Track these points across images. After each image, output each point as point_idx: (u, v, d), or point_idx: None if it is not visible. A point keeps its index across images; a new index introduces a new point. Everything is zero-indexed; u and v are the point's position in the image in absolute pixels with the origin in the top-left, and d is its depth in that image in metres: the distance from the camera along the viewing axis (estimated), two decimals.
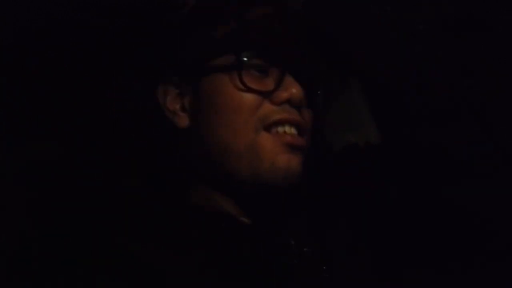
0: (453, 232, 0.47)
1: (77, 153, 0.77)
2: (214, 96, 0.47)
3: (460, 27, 0.43)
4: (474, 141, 0.40)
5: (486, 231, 0.46)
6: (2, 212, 0.70)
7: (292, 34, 0.49)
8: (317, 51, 0.57)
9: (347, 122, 0.77)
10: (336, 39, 0.51)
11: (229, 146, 0.46)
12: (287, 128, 0.47)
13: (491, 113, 0.40)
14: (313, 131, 0.52)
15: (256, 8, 0.46)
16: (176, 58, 0.53)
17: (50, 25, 0.71)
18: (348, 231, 0.49)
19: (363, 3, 0.42)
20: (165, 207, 0.49)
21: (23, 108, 0.72)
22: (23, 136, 0.72)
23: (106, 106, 0.78)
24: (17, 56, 0.71)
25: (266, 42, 0.48)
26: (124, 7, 0.67)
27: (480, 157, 0.41)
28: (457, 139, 0.41)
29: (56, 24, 0.70)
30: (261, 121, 0.46)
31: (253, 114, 0.46)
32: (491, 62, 0.41)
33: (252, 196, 0.48)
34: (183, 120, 0.50)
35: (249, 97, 0.46)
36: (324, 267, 0.44)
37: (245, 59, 0.47)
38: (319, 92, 0.54)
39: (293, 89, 0.47)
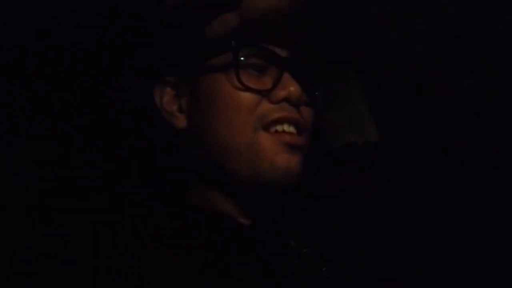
0: (453, 232, 0.47)
1: (77, 153, 0.77)
2: (212, 96, 0.47)
3: (460, 27, 0.43)
4: (474, 141, 0.40)
5: (486, 231, 0.46)
6: (2, 212, 0.69)
7: (291, 33, 0.49)
8: (316, 49, 0.57)
9: (347, 121, 0.77)
10: (335, 38, 0.51)
11: (228, 145, 0.46)
12: (286, 127, 0.47)
13: (491, 113, 0.40)
14: (313, 130, 0.52)
15: (254, 6, 0.46)
16: (172, 58, 0.53)
17: (49, 25, 0.71)
18: (348, 231, 0.49)
19: (363, 3, 0.41)
20: (165, 207, 0.49)
21: (23, 108, 0.72)
22: (23, 136, 0.72)
23: (105, 106, 0.78)
24: (17, 56, 0.71)
25: (264, 41, 0.48)
26: (119, 7, 0.67)
27: (480, 157, 0.41)
28: (457, 139, 0.41)
29: (54, 24, 0.70)
30: (259, 120, 0.46)
31: (251, 113, 0.46)
32: (491, 62, 0.41)
33: (252, 196, 0.48)
34: (181, 121, 0.50)
35: (247, 96, 0.46)
36: (324, 268, 0.44)
37: (242, 58, 0.47)
38: (318, 90, 0.54)
39: (291, 87, 0.47)
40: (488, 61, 0.41)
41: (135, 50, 0.72)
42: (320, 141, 0.52)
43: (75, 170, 0.76)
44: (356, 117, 0.75)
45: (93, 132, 0.78)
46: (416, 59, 0.43)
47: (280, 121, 0.47)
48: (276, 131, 0.47)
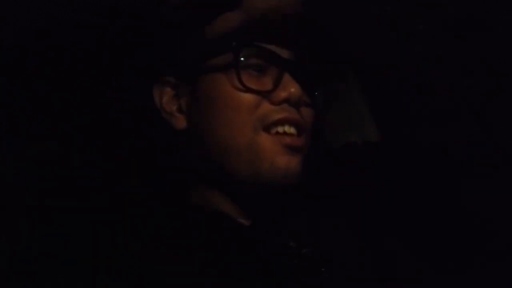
0: (453, 232, 0.47)
1: (77, 153, 0.77)
2: (212, 96, 0.47)
3: (460, 27, 0.42)
4: (474, 141, 0.40)
5: (486, 231, 0.46)
6: (2, 212, 0.69)
7: (291, 33, 0.49)
8: (316, 49, 0.57)
9: (347, 121, 0.77)
10: (335, 38, 0.51)
11: (228, 145, 0.46)
12: (287, 128, 0.47)
13: (491, 113, 0.40)
14: (313, 130, 0.52)
15: (254, 6, 0.46)
16: (172, 58, 0.53)
17: (49, 25, 0.71)
18: (348, 231, 0.49)
19: (363, 3, 0.41)
20: (165, 207, 0.49)
21: (23, 108, 0.72)
22: (23, 136, 0.72)
23: (105, 106, 0.78)
24: (17, 56, 0.71)
25: (264, 41, 0.48)
26: (119, 7, 0.67)
27: (480, 157, 0.41)
28: (457, 139, 0.41)
29: (54, 24, 0.70)
30: (260, 121, 0.46)
31: (251, 113, 0.46)
32: (491, 62, 0.41)
33: (252, 196, 0.48)
34: (181, 122, 0.50)
35: (247, 96, 0.46)
36: (323, 268, 0.44)
37: (242, 58, 0.47)
38: (318, 91, 0.54)
39: (292, 88, 0.47)
40: (488, 61, 0.41)
41: (135, 50, 0.72)
42: (320, 141, 0.52)
43: (75, 170, 0.76)
44: (356, 117, 0.75)
45: (93, 132, 0.78)
46: (416, 59, 0.43)
47: (281, 122, 0.47)
48: (277, 132, 0.47)
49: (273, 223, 0.48)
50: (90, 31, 0.71)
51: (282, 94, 0.47)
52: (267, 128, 0.47)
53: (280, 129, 0.47)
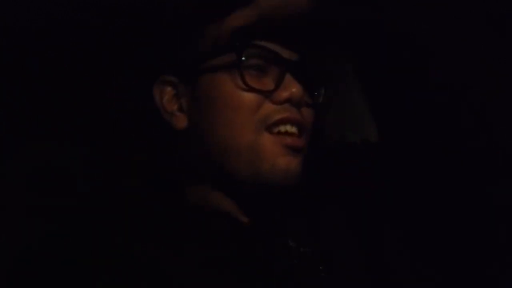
0: (453, 232, 0.47)
1: (77, 153, 0.77)
2: (213, 96, 0.47)
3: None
4: (474, 141, 0.40)
5: (486, 231, 0.46)
6: (4, 213, 0.70)
7: (294, 33, 0.49)
8: (318, 49, 0.57)
9: (346, 121, 0.77)
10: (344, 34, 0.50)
11: (229, 145, 0.46)
12: (289, 127, 0.47)
13: (492, 113, 0.40)
14: (313, 130, 0.52)
15: (257, 7, 0.46)
16: (172, 57, 0.53)
17: (49, 25, 0.71)
18: (347, 231, 0.49)
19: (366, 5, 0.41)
20: (164, 207, 0.49)
21: (23, 108, 0.72)
22: (24, 137, 0.72)
23: (105, 106, 0.78)
24: (18, 56, 0.71)
25: (266, 42, 0.48)
26: (119, 6, 0.67)
27: (482, 158, 0.41)
28: (457, 139, 0.41)
29: (54, 24, 0.70)
30: (262, 121, 0.46)
31: (253, 113, 0.46)
32: (492, 62, 0.41)
33: (251, 196, 0.48)
34: (181, 121, 0.50)
35: (250, 96, 0.46)
36: (321, 267, 0.44)
37: (243, 58, 0.46)
38: (318, 91, 0.54)
39: (293, 89, 0.47)
40: (489, 61, 0.41)
41: (135, 49, 0.72)
42: (320, 141, 0.52)
43: (75, 170, 0.76)
44: (356, 117, 0.75)
45: (93, 132, 0.78)
46: (417, 58, 0.43)
47: (283, 122, 0.47)
48: (279, 132, 0.47)
49: (272, 222, 0.48)
50: (90, 31, 0.71)
51: (284, 94, 0.47)
52: (269, 128, 0.47)
53: (282, 128, 0.47)
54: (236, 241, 0.45)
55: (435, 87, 0.40)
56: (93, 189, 0.76)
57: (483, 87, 0.40)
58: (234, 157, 0.46)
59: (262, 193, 0.48)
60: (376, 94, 0.49)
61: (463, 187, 0.44)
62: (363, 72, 0.50)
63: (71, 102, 0.78)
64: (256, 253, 0.44)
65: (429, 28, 0.40)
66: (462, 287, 0.49)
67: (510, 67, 0.40)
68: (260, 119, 0.46)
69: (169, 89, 0.51)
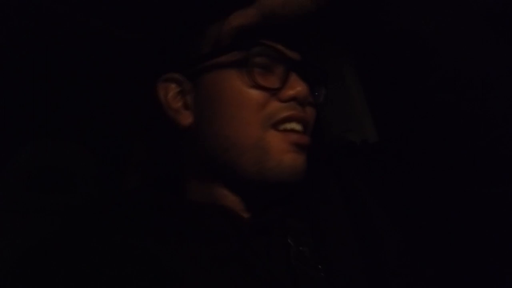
0: (453, 233, 0.47)
1: (77, 153, 0.77)
2: (220, 93, 0.48)
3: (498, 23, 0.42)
4: (475, 141, 0.40)
5: (486, 232, 0.46)
6: (4, 213, 0.70)
7: (298, 32, 0.50)
8: (319, 49, 0.57)
9: (345, 121, 0.77)
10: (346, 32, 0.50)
11: (236, 142, 0.47)
12: (294, 125, 0.48)
13: (492, 113, 0.39)
14: (313, 130, 0.53)
15: (266, 3, 0.46)
16: (178, 55, 0.53)
17: (50, 24, 0.71)
18: (346, 231, 0.49)
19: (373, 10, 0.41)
20: (165, 204, 0.50)
21: (23, 108, 0.72)
22: (24, 136, 0.73)
23: (109, 103, 0.78)
24: (20, 55, 0.71)
25: (272, 40, 0.48)
26: (124, 3, 0.67)
27: (481, 158, 0.41)
28: (457, 139, 0.41)
29: (57, 22, 0.70)
30: (268, 118, 0.47)
31: (260, 110, 0.47)
32: (492, 62, 0.41)
33: (255, 193, 0.49)
34: (187, 118, 0.50)
35: (257, 93, 0.47)
36: (320, 266, 0.44)
37: (251, 56, 0.47)
38: (319, 91, 0.54)
39: (299, 87, 0.48)
40: (489, 61, 0.40)
41: (139, 47, 0.72)
42: (320, 141, 0.52)
43: (75, 170, 0.76)
44: (355, 117, 0.75)
45: (96, 129, 0.78)
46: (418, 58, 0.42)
47: (289, 119, 0.48)
48: (285, 130, 0.48)
49: (273, 220, 0.48)
50: (95, 27, 0.71)
51: (290, 92, 0.48)
52: (275, 125, 0.47)
53: (288, 126, 0.48)
54: (236, 238, 0.45)
55: (435, 87, 0.40)
56: (93, 188, 0.76)
57: (484, 87, 0.40)
58: (240, 153, 0.47)
59: (266, 190, 0.49)
60: (376, 94, 0.49)
61: (463, 187, 0.43)
62: (363, 72, 0.50)
63: (73, 101, 0.78)
64: (255, 250, 0.45)
65: (430, 28, 0.40)
66: (462, 287, 0.49)
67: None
68: (266, 116, 0.47)
69: (173, 86, 0.51)
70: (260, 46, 0.47)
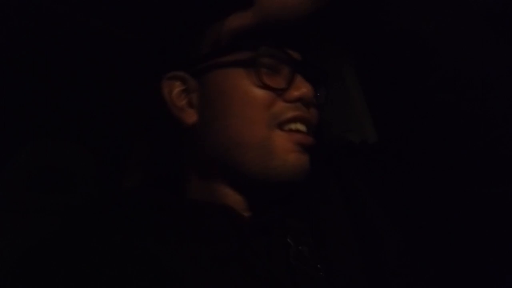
0: (452, 233, 0.47)
1: (77, 152, 0.77)
2: (227, 92, 0.48)
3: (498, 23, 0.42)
4: (475, 141, 0.40)
5: (486, 232, 0.46)
6: (4, 213, 0.70)
7: (299, 35, 0.50)
8: (320, 50, 0.57)
9: (345, 121, 0.77)
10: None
11: (241, 140, 0.47)
12: (299, 125, 0.49)
13: (492, 113, 0.39)
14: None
15: (265, 8, 0.46)
16: (184, 53, 0.53)
17: (50, 24, 0.71)
18: (346, 231, 0.49)
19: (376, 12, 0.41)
20: (165, 203, 0.50)
21: (24, 108, 0.72)
22: (24, 136, 0.73)
23: (113, 101, 0.78)
24: (21, 55, 0.71)
25: (278, 41, 0.48)
26: (128, 3, 0.67)
27: (481, 158, 0.41)
28: (457, 140, 0.41)
29: (59, 21, 0.70)
30: (274, 118, 0.48)
31: (266, 110, 0.47)
32: (492, 62, 0.41)
33: (257, 191, 0.49)
34: (191, 116, 0.50)
35: (263, 93, 0.47)
36: (319, 266, 0.44)
37: (259, 57, 0.48)
38: (320, 91, 0.55)
39: (304, 89, 0.49)
40: (490, 61, 0.40)
41: (141, 45, 0.72)
42: (320, 141, 0.52)
43: (75, 170, 0.76)
44: (355, 117, 0.75)
45: (96, 129, 0.78)
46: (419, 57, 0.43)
47: (294, 120, 0.49)
48: (290, 130, 0.48)
49: (273, 219, 0.48)
50: (95, 27, 0.71)
51: (296, 93, 0.48)
52: (280, 125, 0.48)
53: (293, 126, 0.49)
54: (236, 238, 0.45)
55: (435, 87, 0.40)
56: (93, 188, 0.76)
57: (484, 87, 0.39)
58: (245, 151, 0.47)
59: (269, 189, 0.49)
60: (376, 94, 0.49)
61: (463, 187, 0.43)
62: (363, 72, 0.50)
63: (73, 101, 0.78)
64: (255, 250, 0.45)
65: (430, 28, 0.40)
66: (462, 287, 0.49)
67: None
68: (272, 116, 0.47)
69: (178, 84, 0.51)
70: (267, 46, 0.48)
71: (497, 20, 0.45)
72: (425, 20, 0.40)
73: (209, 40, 0.50)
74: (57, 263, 0.41)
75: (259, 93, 0.47)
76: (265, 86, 0.47)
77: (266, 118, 0.47)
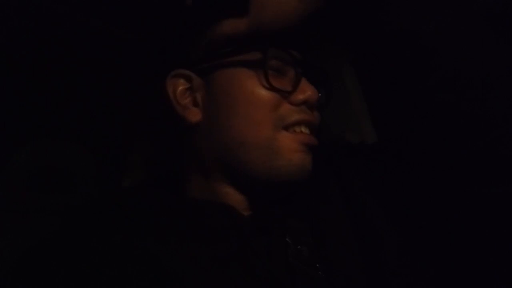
0: (452, 234, 0.47)
1: (78, 152, 0.77)
2: (234, 92, 0.48)
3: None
4: (474, 142, 0.40)
5: (485, 233, 0.46)
6: (5, 213, 0.70)
7: (299, 39, 0.51)
8: (321, 51, 0.57)
9: (345, 121, 0.77)
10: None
11: (247, 140, 0.47)
12: (303, 128, 0.50)
13: (492, 114, 0.39)
14: None
15: (261, 16, 0.47)
16: (187, 52, 0.53)
17: (50, 24, 0.71)
18: (345, 231, 0.49)
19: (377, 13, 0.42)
20: (166, 203, 0.50)
21: (24, 108, 0.72)
22: (24, 136, 0.73)
23: (116, 99, 0.78)
24: (21, 55, 0.71)
25: (283, 43, 0.49)
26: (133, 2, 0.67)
27: (481, 158, 0.41)
28: (457, 140, 0.41)
29: (57, 22, 0.70)
30: (281, 120, 0.48)
31: (272, 111, 0.48)
32: (493, 62, 0.41)
33: (259, 191, 0.49)
34: (195, 115, 0.50)
35: (270, 95, 0.48)
36: (318, 265, 0.44)
37: (267, 58, 0.48)
38: (321, 92, 0.55)
39: (309, 92, 0.49)
40: (490, 61, 0.40)
41: (143, 45, 0.72)
42: (320, 141, 0.52)
43: (75, 169, 0.76)
44: (355, 117, 0.75)
45: (96, 129, 0.78)
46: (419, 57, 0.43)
47: (300, 123, 0.49)
48: (295, 131, 0.49)
49: (273, 219, 0.49)
50: (95, 27, 0.71)
51: (301, 96, 0.49)
52: (286, 127, 0.49)
53: (297, 128, 0.50)
54: (236, 238, 0.45)
55: (435, 87, 0.40)
56: (93, 188, 0.76)
57: (484, 87, 0.39)
58: (249, 151, 0.47)
59: (272, 188, 0.49)
60: (376, 94, 0.49)
61: (463, 187, 0.43)
62: (362, 72, 0.50)
63: (73, 101, 0.78)
64: (255, 250, 0.45)
65: (430, 28, 0.40)
66: (462, 287, 0.49)
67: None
68: (278, 118, 0.48)
69: (182, 82, 0.51)
70: (274, 49, 0.48)
71: (497, 20, 0.45)
72: (425, 20, 0.40)
73: (210, 40, 0.51)
74: (57, 263, 0.41)
75: (266, 94, 0.48)
76: (272, 88, 0.48)
77: (273, 119, 0.48)
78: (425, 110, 0.41)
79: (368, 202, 0.50)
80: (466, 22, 0.41)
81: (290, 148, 0.48)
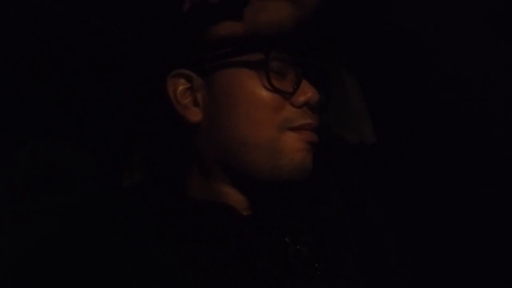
0: (452, 234, 0.47)
1: (78, 152, 0.77)
2: (236, 92, 0.48)
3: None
4: (474, 142, 0.40)
5: (485, 233, 0.46)
6: (5, 213, 0.70)
7: (297, 42, 0.51)
8: (320, 52, 0.57)
9: (345, 121, 0.77)
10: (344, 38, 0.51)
11: (249, 140, 0.47)
12: (307, 131, 0.50)
13: (492, 114, 0.39)
14: None
15: (256, 21, 0.47)
16: (187, 52, 0.53)
17: (50, 24, 0.71)
18: (345, 231, 0.49)
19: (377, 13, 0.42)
20: (165, 203, 0.50)
21: (24, 108, 0.72)
22: (24, 136, 0.73)
23: (117, 99, 0.78)
24: (21, 55, 0.71)
25: (283, 45, 0.49)
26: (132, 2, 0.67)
27: (481, 158, 0.41)
28: (457, 140, 0.41)
29: (57, 22, 0.70)
30: (286, 122, 0.48)
31: (274, 112, 0.48)
32: (493, 62, 0.41)
33: (260, 190, 0.49)
34: (196, 115, 0.50)
35: (272, 96, 0.48)
36: (317, 265, 0.44)
37: (269, 59, 0.48)
38: (321, 92, 0.55)
39: (310, 93, 0.49)
40: (490, 61, 0.40)
41: (143, 45, 0.72)
42: (319, 141, 0.52)
43: (75, 169, 0.76)
44: (355, 117, 0.75)
45: (96, 129, 0.78)
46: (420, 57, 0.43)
47: (304, 127, 0.49)
48: (299, 131, 0.49)
49: (272, 219, 0.49)
50: (95, 27, 0.71)
51: (302, 98, 0.49)
52: (292, 129, 0.49)
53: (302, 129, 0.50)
54: (236, 238, 0.45)
55: (435, 87, 0.40)
56: (93, 188, 0.76)
57: (484, 87, 0.40)
58: (250, 151, 0.47)
59: (273, 188, 0.49)
60: (376, 94, 0.49)
61: (463, 187, 0.43)
62: (362, 72, 0.50)
63: (73, 100, 0.78)
64: (255, 250, 0.45)
65: (430, 28, 0.40)
66: (462, 287, 0.49)
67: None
68: (283, 120, 0.48)
69: (183, 81, 0.51)
70: (276, 50, 0.48)
71: (497, 20, 0.45)
72: (425, 20, 0.40)
73: (210, 41, 0.50)
74: (57, 263, 0.41)
75: (267, 95, 0.48)
76: (274, 89, 0.48)
77: (277, 121, 0.48)
78: (425, 110, 0.41)
79: (368, 202, 0.50)
80: (466, 22, 0.41)
81: (293, 147, 0.48)
